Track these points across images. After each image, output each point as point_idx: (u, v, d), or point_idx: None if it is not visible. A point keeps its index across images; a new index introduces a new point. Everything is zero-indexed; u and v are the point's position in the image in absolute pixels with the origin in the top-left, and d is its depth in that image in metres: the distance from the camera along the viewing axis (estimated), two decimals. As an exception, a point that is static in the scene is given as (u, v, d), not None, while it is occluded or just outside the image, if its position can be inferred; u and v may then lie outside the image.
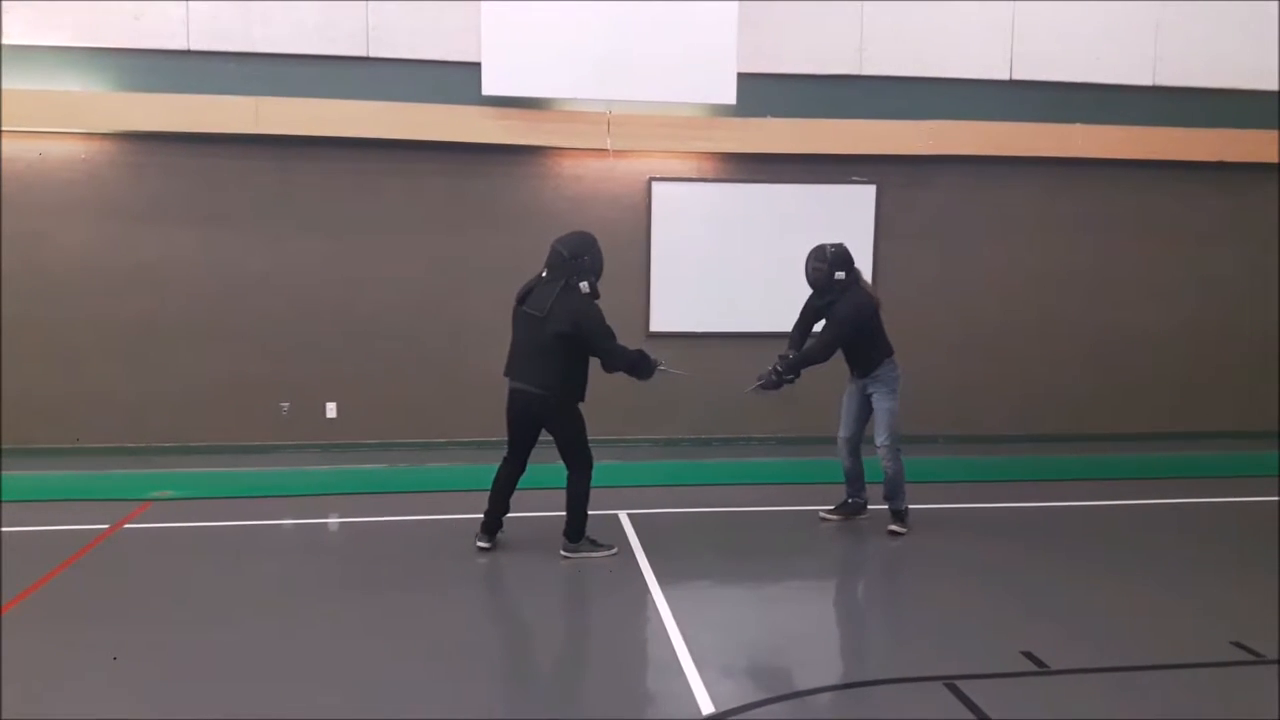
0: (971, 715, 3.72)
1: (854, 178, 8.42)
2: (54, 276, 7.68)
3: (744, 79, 7.69)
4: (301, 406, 8.08)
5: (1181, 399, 8.98)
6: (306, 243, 7.96)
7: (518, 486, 5.61)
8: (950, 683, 3.97)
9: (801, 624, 4.86)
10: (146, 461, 7.69)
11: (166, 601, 4.83)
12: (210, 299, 7.88)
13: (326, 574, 5.30)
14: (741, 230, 8.34)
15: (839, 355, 5.94)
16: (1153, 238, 8.82)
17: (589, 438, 5.44)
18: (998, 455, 8.32)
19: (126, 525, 6.07)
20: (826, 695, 3.96)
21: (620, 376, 5.47)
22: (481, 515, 5.61)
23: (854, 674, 4.39)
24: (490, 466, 5.69)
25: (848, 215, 8.32)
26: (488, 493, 5.60)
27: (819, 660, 4.44)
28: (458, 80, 7.69)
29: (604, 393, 5.74)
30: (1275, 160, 8.54)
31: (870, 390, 5.99)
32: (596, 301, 5.31)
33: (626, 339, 5.46)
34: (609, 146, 7.90)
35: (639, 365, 5.40)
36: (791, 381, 5.81)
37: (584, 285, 5.27)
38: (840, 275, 5.80)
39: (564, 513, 5.48)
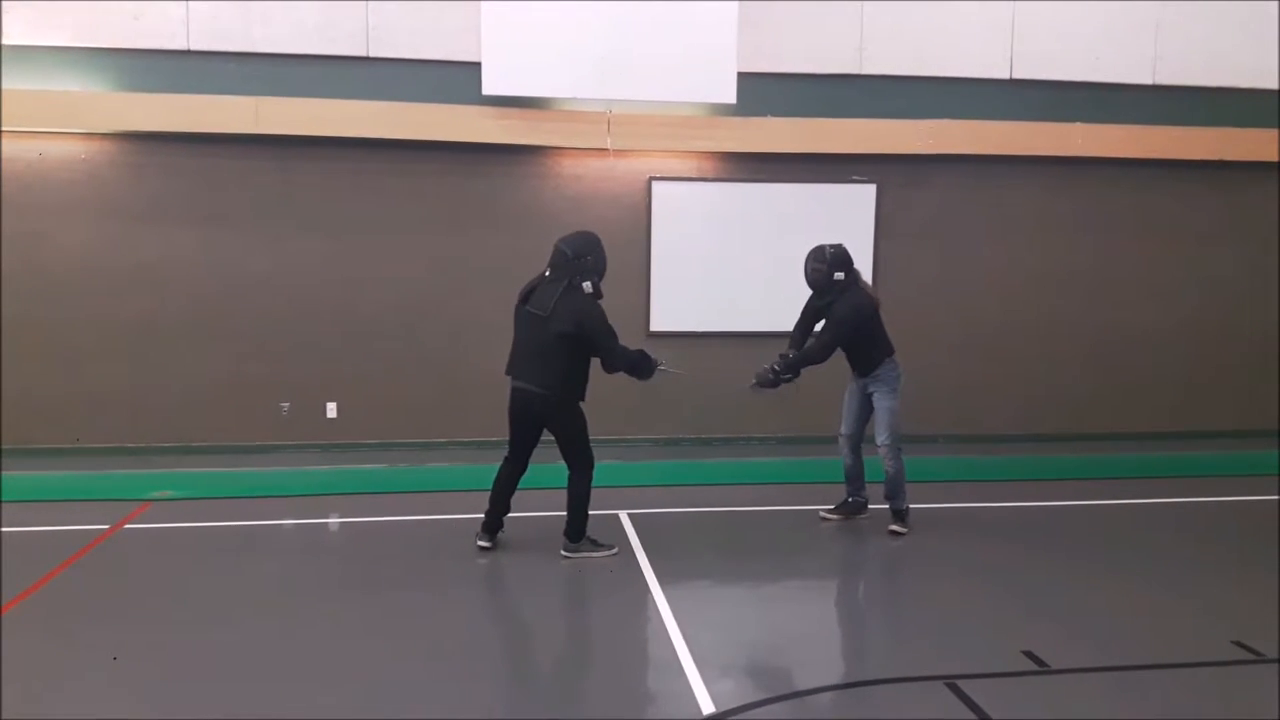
0: (972, 715, 3.72)
1: (854, 177, 8.42)
2: (54, 276, 7.68)
3: (744, 78, 7.69)
4: (301, 406, 8.08)
5: (1181, 398, 8.98)
6: (306, 243, 7.96)
7: (519, 486, 5.61)
8: (951, 682, 3.97)
9: (802, 624, 4.86)
10: (146, 461, 7.69)
11: (166, 601, 4.83)
12: (210, 299, 7.88)
13: (326, 574, 5.30)
14: (741, 230, 8.34)
15: (841, 355, 5.94)
16: (1153, 237, 8.82)
17: (590, 437, 5.44)
18: (998, 455, 8.32)
19: (126, 525, 6.07)
20: (827, 695, 3.96)
21: (621, 376, 5.47)
22: (482, 515, 5.61)
23: (854, 673, 4.39)
24: (490, 466, 5.69)
25: (848, 215, 8.32)
26: (488, 492, 5.60)
27: (819, 660, 4.43)
28: (458, 80, 7.69)
29: (605, 392, 5.74)
30: (1275, 159, 8.54)
31: (871, 389, 5.99)
32: (599, 301, 5.31)
33: (627, 339, 5.46)
34: (609, 146, 7.90)
35: (639, 365, 5.41)
36: (789, 381, 5.82)
37: (587, 285, 5.27)
38: (839, 276, 5.80)
39: (564, 512, 5.48)
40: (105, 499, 6.61)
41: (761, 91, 7.94)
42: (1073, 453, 8.39)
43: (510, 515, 5.65)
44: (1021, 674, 4.10)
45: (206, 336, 7.89)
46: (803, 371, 5.84)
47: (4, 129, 7.35)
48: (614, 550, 5.58)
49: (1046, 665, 4.16)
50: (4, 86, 7.27)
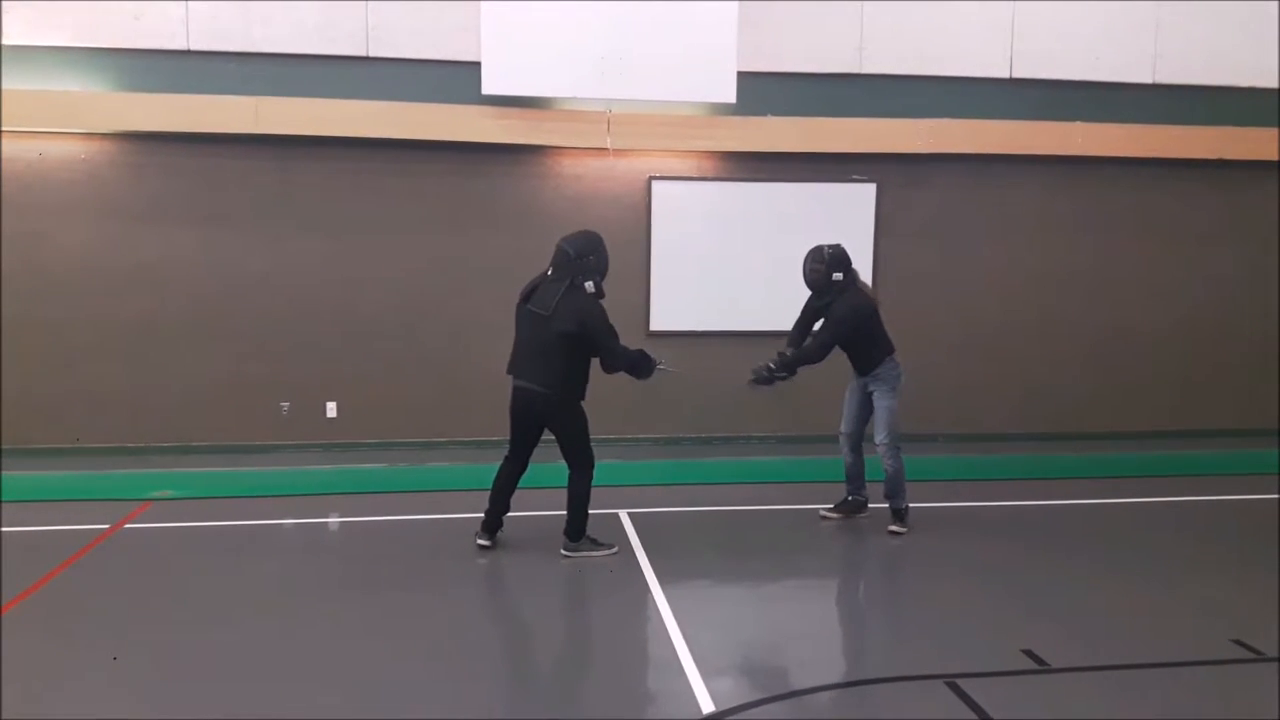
0: (972, 714, 3.72)
1: (854, 176, 8.41)
2: (54, 276, 7.67)
3: (744, 78, 7.68)
4: (301, 406, 8.08)
5: (1181, 397, 8.98)
6: (306, 243, 7.96)
7: (519, 485, 5.62)
8: (951, 681, 3.97)
9: (802, 623, 4.86)
10: (146, 461, 7.69)
11: (166, 601, 4.84)
12: (210, 299, 7.88)
13: (326, 574, 5.30)
14: (741, 229, 8.34)
15: (841, 354, 5.95)
16: (1153, 236, 8.82)
17: (590, 437, 5.44)
18: (998, 454, 8.32)
19: (126, 525, 6.07)
20: (827, 694, 3.97)
21: (621, 375, 5.48)
22: (482, 514, 5.61)
23: (854, 673, 4.40)
24: (490, 466, 5.69)
25: (848, 214, 8.31)
26: (488, 492, 5.60)
27: (819, 659, 4.43)
28: (457, 80, 7.69)
29: (605, 392, 5.74)
30: (1275, 158, 8.53)
31: (871, 388, 6.00)
32: (601, 301, 5.32)
33: (627, 338, 5.46)
34: (609, 146, 7.90)
35: (639, 365, 5.42)
36: (785, 379, 5.82)
37: (589, 285, 5.28)
38: (838, 276, 5.81)
39: (564, 512, 5.49)
40: (105, 499, 6.61)
41: (761, 91, 7.94)
42: (1072, 452, 8.39)
43: (510, 514, 5.66)
44: (1021, 673, 4.10)
45: (207, 336, 7.90)
46: (800, 370, 5.85)
47: (4, 129, 7.35)
48: (614, 549, 5.58)
49: (1046, 664, 4.16)
50: (4, 86, 7.27)
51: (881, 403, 5.94)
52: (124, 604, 4.81)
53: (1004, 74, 8.33)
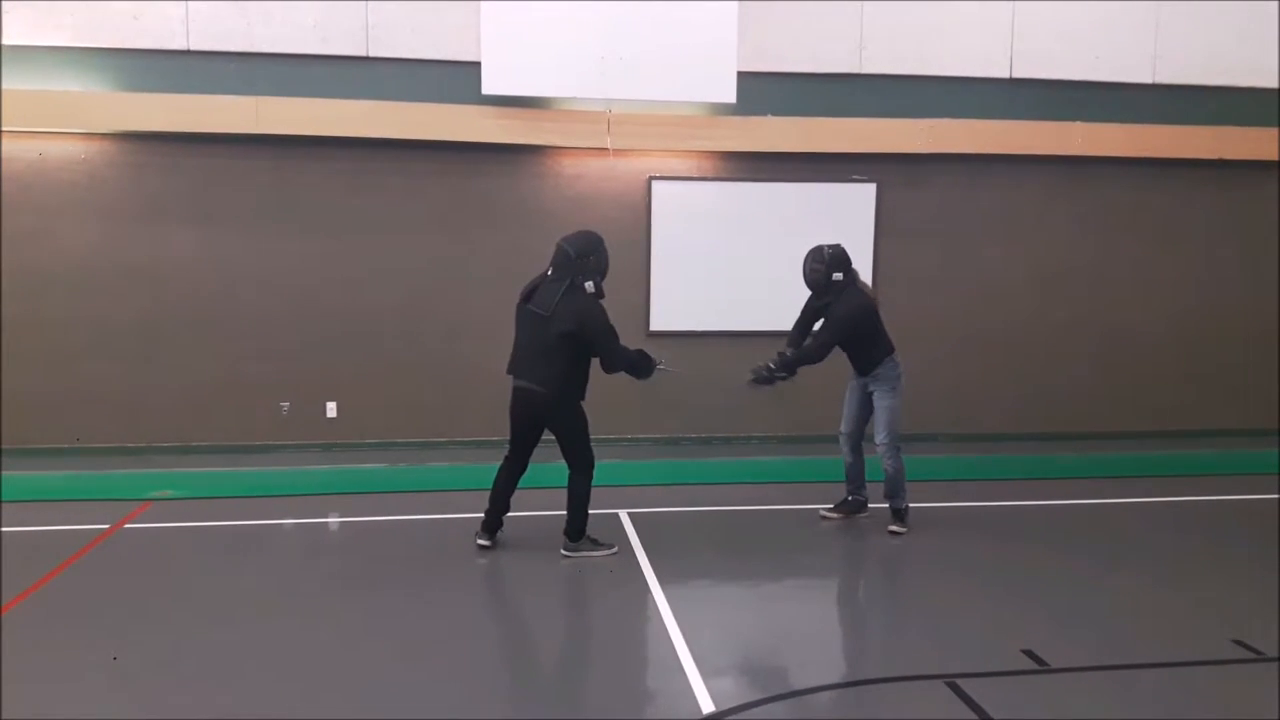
0: (972, 714, 3.72)
1: (854, 176, 8.41)
2: (54, 276, 7.68)
3: (744, 78, 7.69)
4: (301, 406, 8.08)
5: (1181, 396, 8.97)
6: (307, 242, 7.96)
7: (519, 485, 5.62)
8: (951, 681, 3.97)
9: (802, 623, 4.86)
10: (146, 461, 7.69)
11: (166, 601, 4.84)
12: (210, 298, 7.88)
13: (326, 574, 5.29)
14: (741, 229, 8.34)
15: (841, 354, 5.95)
16: (1152, 235, 8.82)
17: (590, 437, 5.44)
18: (998, 454, 8.32)
19: (126, 525, 6.07)
20: (827, 694, 3.97)
21: (621, 375, 5.47)
22: (482, 514, 5.61)
23: (854, 672, 4.40)
24: (490, 466, 5.70)
25: (848, 214, 8.32)
26: (488, 492, 5.60)
27: (819, 659, 4.43)
28: (457, 80, 7.69)
29: (604, 391, 5.74)
30: (1275, 158, 8.53)
31: (871, 388, 6.00)
32: (601, 301, 5.32)
33: (626, 338, 5.46)
34: (609, 145, 7.90)
35: (638, 365, 5.42)
36: (784, 379, 5.82)
37: (589, 285, 5.27)
38: (838, 276, 5.81)
39: (564, 512, 5.49)
40: (105, 499, 6.61)
41: (761, 91, 7.95)
42: (1072, 451, 8.38)
43: (510, 514, 5.66)
44: (1021, 673, 4.10)
45: (207, 336, 7.90)
46: (800, 370, 5.85)
47: (4, 129, 7.36)
48: (614, 549, 5.58)
49: (1046, 664, 4.16)
50: (4, 86, 7.27)
51: (881, 402, 5.94)
52: (124, 604, 4.81)
53: (1004, 74, 8.33)
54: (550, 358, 5.25)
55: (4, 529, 5.85)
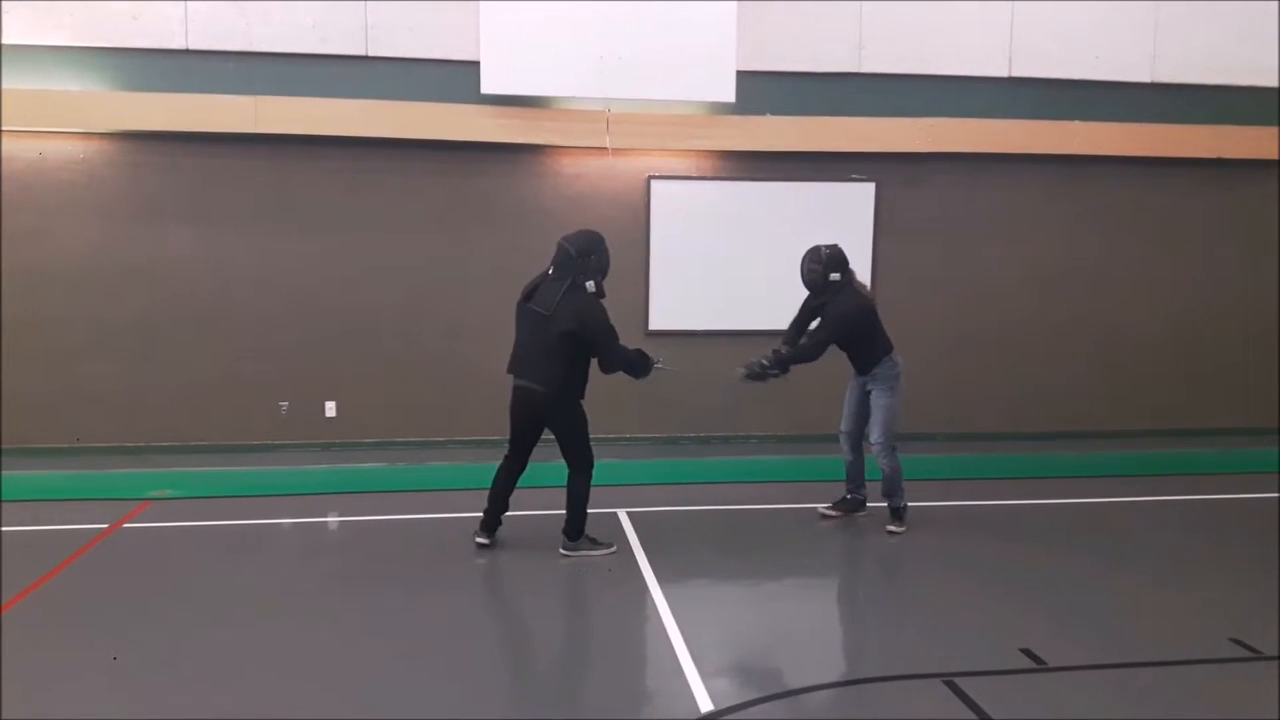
0: (971, 713, 3.73)
1: (853, 176, 8.42)
2: (53, 276, 7.67)
3: (743, 77, 7.69)
4: (300, 405, 8.08)
5: (1180, 396, 8.98)
6: (305, 242, 7.96)
7: (518, 485, 5.62)
8: (949, 680, 3.98)
9: (800, 622, 4.86)
10: (146, 461, 7.69)
11: (166, 601, 4.84)
12: (209, 298, 7.88)
13: (326, 573, 5.30)
14: (740, 228, 8.34)
15: (842, 354, 5.96)
16: (1151, 234, 8.82)
17: (590, 436, 5.44)
18: (996, 453, 8.32)
19: (126, 525, 6.07)
20: (825, 693, 3.97)
21: (620, 375, 5.47)
22: (481, 513, 5.61)
23: (853, 671, 4.40)
24: (490, 465, 5.70)
25: (847, 213, 8.32)
26: (487, 491, 5.60)
27: (818, 658, 4.43)
28: (456, 79, 7.69)
29: (603, 390, 5.74)
30: (1274, 156, 8.53)
31: (870, 387, 6.01)
32: (601, 301, 5.32)
33: (626, 337, 5.46)
34: (608, 145, 7.89)
35: (637, 364, 5.42)
36: (777, 376, 5.83)
37: (590, 284, 5.28)
38: (835, 276, 5.82)
39: (563, 511, 5.49)
40: (104, 498, 6.61)
41: (761, 90, 7.95)
42: (1071, 451, 8.39)
43: (509, 514, 5.66)
44: (1020, 672, 4.11)
45: (206, 335, 7.90)
46: (797, 368, 5.85)
47: (4, 129, 7.35)
48: (612, 549, 5.58)
49: (1044, 663, 4.17)
50: (4, 86, 7.27)
51: (879, 402, 5.94)
52: (123, 603, 4.81)
53: (1003, 73, 8.33)
54: (551, 357, 5.25)
55: (4, 528, 5.85)
